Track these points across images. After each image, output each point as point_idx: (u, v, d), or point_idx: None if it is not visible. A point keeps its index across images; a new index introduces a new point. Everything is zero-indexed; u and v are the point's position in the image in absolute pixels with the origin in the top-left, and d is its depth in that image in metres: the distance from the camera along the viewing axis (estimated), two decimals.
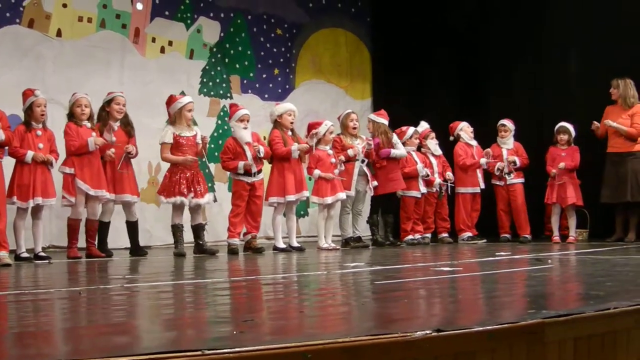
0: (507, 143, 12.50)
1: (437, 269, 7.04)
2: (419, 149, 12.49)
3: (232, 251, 10.02)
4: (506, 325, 3.43)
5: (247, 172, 10.21)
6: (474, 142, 12.72)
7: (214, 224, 10.66)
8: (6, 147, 8.63)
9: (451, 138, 12.79)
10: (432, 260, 8.76)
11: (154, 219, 11.87)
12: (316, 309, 4.54)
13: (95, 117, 9.77)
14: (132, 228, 10.04)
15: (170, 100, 10.18)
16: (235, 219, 10.27)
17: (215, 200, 11.14)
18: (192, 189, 9.85)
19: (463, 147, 12.64)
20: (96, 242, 9.62)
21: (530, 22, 13.23)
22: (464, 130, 12.72)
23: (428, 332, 3.18)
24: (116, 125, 9.74)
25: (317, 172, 10.73)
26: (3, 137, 8.37)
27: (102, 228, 9.76)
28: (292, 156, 10.45)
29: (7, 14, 10.89)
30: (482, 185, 12.60)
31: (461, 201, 12.58)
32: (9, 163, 8.81)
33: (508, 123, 12.56)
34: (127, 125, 9.92)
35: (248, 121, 10.38)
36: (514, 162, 12.26)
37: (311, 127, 10.90)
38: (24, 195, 8.76)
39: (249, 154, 10.19)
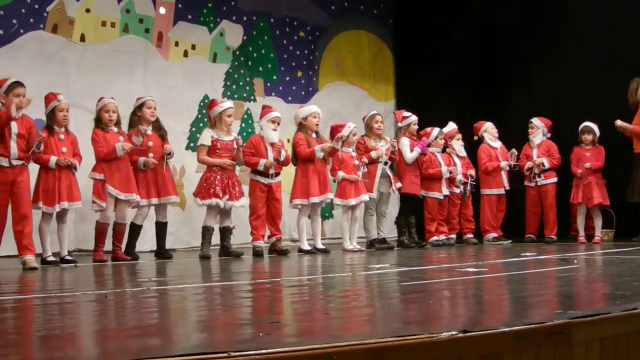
0: (533, 141, 12.42)
1: (463, 270, 7.02)
2: (443, 150, 12.45)
3: (257, 253, 10.03)
4: (533, 325, 3.42)
5: (265, 173, 10.23)
6: (498, 143, 12.68)
7: (239, 227, 10.68)
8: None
9: (475, 138, 12.76)
10: (458, 261, 8.73)
11: (179, 222, 11.93)
12: (341, 310, 4.53)
13: (128, 122, 9.82)
14: (161, 229, 10.08)
15: (212, 104, 10.32)
16: (257, 222, 10.28)
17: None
18: (227, 192, 9.88)
19: (486, 150, 12.61)
20: (123, 245, 9.65)
21: (554, 20, 13.18)
22: (488, 131, 12.70)
23: (454, 332, 3.17)
24: (149, 130, 9.78)
25: (340, 173, 10.73)
26: (42, 147, 8.46)
27: (134, 231, 9.82)
28: (315, 156, 10.45)
29: (31, 20, 10.97)
30: (507, 187, 12.56)
31: (486, 202, 12.56)
32: (32, 168, 8.84)
33: (535, 120, 12.47)
34: (160, 129, 9.97)
35: (278, 124, 10.42)
36: (542, 164, 12.18)
37: (334, 129, 10.89)
38: (49, 200, 8.79)
39: (271, 154, 10.21)
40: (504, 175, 12.53)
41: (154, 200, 9.76)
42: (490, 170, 12.45)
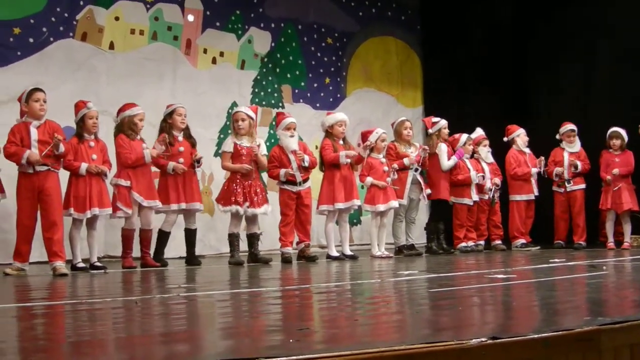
0: (574, 147, 12.39)
1: (491, 277, 7.00)
2: (472, 155, 12.41)
3: (286, 260, 10.04)
4: (562, 332, 3.41)
5: (292, 181, 10.24)
6: (527, 150, 12.62)
7: (267, 233, 10.70)
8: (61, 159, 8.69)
9: (505, 139, 12.68)
10: (486, 267, 8.71)
11: (207, 228, 11.94)
12: (370, 317, 4.53)
13: (158, 129, 9.87)
14: (191, 236, 10.08)
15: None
16: (286, 229, 10.31)
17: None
18: (249, 198, 9.87)
19: (515, 155, 12.56)
20: (152, 252, 9.68)
21: (581, 25, 13.12)
22: (521, 137, 12.63)
23: (483, 339, 3.17)
24: (180, 136, 9.83)
25: (369, 179, 10.71)
26: (63, 149, 8.46)
27: (162, 238, 9.84)
28: (340, 162, 10.45)
29: (61, 28, 11.05)
30: (536, 192, 12.50)
31: (515, 208, 12.52)
32: (63, 175, 8.89)
33: (576, 127, 12.46)
34: (190, 137, 9.99)
35: (295, 129, 10.42)
36: (575, 166, 12.13)
37: (364, 135, 10.89)
38: (80, 207, 8.83)
39: (293, 162, 10.22)
40: (534, 181, 12.47)
41: (183, 205, 9.76)
42: (520, 176, 12.40)
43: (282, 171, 10.18)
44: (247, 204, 9.85)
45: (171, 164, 9.63)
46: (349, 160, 10.51)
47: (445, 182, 11.70)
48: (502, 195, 12.58)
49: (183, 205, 9.75)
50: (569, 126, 12.48)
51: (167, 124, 9.85)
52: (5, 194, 8.73)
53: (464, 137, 12.21)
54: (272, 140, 12.48)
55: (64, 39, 11.10)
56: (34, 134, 8.38)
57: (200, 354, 3.29)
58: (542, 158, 12.34)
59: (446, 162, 11.57)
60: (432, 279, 7.21)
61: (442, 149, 11.62)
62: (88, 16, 11.31)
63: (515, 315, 4.45)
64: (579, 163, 12.16)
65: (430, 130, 11.92)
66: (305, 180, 10.37)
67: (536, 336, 3.32)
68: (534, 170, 12.35)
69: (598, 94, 12.81)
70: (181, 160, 9.71)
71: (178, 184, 9.73)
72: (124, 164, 9.34)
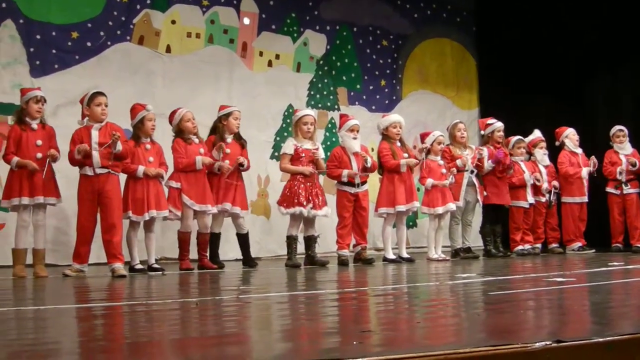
0: (625, 148, 12.25)
1: (550, 280, 6.94)
2: (529, 157, 12.32)
3: (342, 262, 10.01)
4: (626, 336, 3.37)
5: (351, 183, 10.22)
6: (579, 150, 12.46)
7: (324, 236, 10.69)
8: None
9: (557, 143, 12.56)
10: (544, 270, 8.63)
11: (264, 230, 11.97)
12: (428, 320, 4.51)
13: (210, 129, 9.92)
14: (243, 240, 10.09)
15: (294, 113, 10.42)
16: (343, 231, 10.28)
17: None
18: (311, 200, 9.88)
19: (567, 155, 12.40)
20: (208, 254, 9.71)
21: (635, 27, 12.97)
22: (569, 137, 12.48)
23: (548, 342, 3.14)
24: (230, 138, 9.85)
25: (430, 181, 10.63)
26: (121, 147, 8.50)
27: (213, 239, 9.85)
28: (400, 170, 10.42)
29: (118, 32, 11.19)
30: (586, 198, 12.31)
31: (568, 211, 12.35)
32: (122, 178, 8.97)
33: (625, 128, 12.32)
34: (240, 139, 10.01)
35: (358, 131, 10.40)
36: (634, 164, 11.99)
37: (422, 138, 10.90)
38: (138, 209, 8.90)
39: (354, 164, 10.20)
40: (585, 184, 12.30)
41: (219, 208, 9.73)
42: (570, 175, 12.21)
43: (345, 171, 10.16)
44: (310, 205, 9.87)
45: (217, 164, 9.61)
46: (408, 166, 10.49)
47: (499, 187, 11.57)
48: (556, 199, 12.45)
49: (219, 207, 9.74)
50: (618, 126, 12.37)
51: (222, 125, 9.89)
52: (61, 199, 8.81)
53: (514, 139, 12.11)
54: (328, 143, 12.49)
55: (121, 43, 11.26)
56: (95, 136, 8.45)
57: (258, 356, 3.29)
58: (594, 157, 12.18)
59: (485, 165, 11.44)
60: (490, 282, 7.16)
61: (484, 152, 11.47)
62: (145, 20, 11.43)
63: (575, 318, 4.40)
64: (637, 161, 12.00)
65: (482, 132, 11.85)
66: (363, 183, 10.35)
67: (600, 340, 3.28)
68: (585, 171, 12.18)
69: None
70: (227, 161, 9.72)
71: (220, 186, 9.76)
72: (176, 167, 9.44)
